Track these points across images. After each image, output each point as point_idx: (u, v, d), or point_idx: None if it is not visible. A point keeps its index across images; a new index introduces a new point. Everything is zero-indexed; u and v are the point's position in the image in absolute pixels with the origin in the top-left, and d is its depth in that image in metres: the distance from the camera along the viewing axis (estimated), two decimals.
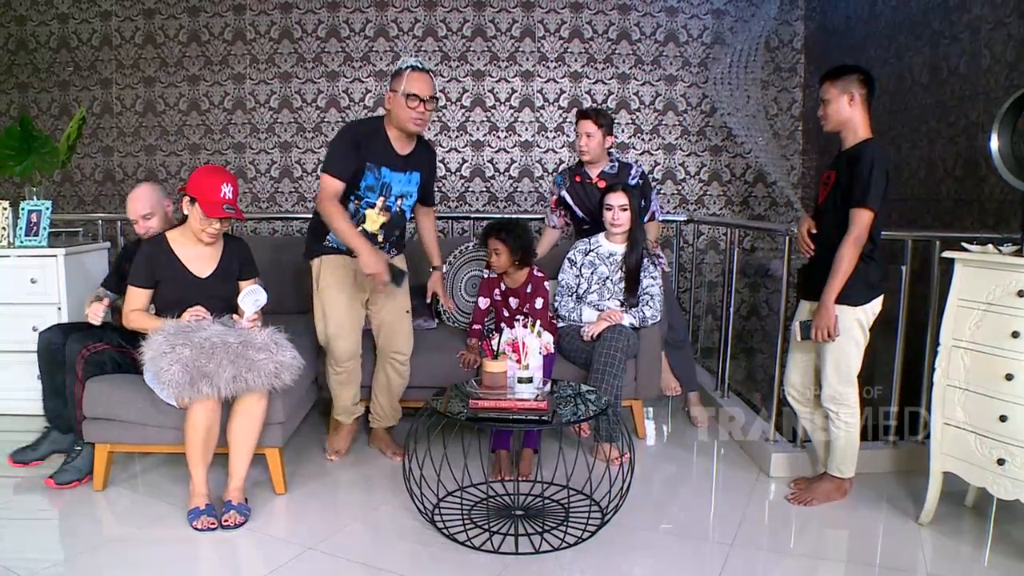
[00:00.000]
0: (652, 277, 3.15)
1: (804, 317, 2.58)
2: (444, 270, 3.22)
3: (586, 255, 3.24)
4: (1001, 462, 2.19)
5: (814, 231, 2.59)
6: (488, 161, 5.03)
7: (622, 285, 3.16)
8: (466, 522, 2.36)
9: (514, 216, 4.37)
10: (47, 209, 3.48)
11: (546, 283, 3.21)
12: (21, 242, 3.43)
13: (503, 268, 3.14)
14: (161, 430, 2.56)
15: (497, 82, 4.96)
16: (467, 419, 2.29)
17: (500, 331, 2.62)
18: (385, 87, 2.68)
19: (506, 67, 4.95)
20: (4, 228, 3.45)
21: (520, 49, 4.93)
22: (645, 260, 3.16)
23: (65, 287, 3.38)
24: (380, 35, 4.92)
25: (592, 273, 3.20)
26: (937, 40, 3.56)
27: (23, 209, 3.47)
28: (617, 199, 3.11)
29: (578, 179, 3.40)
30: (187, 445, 2.41)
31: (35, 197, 3.54)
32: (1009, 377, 2.17)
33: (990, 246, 2.34)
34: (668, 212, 4.82)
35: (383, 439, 3.06)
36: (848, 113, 2.44)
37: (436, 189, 3.52)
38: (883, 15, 4.09)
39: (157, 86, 5.03)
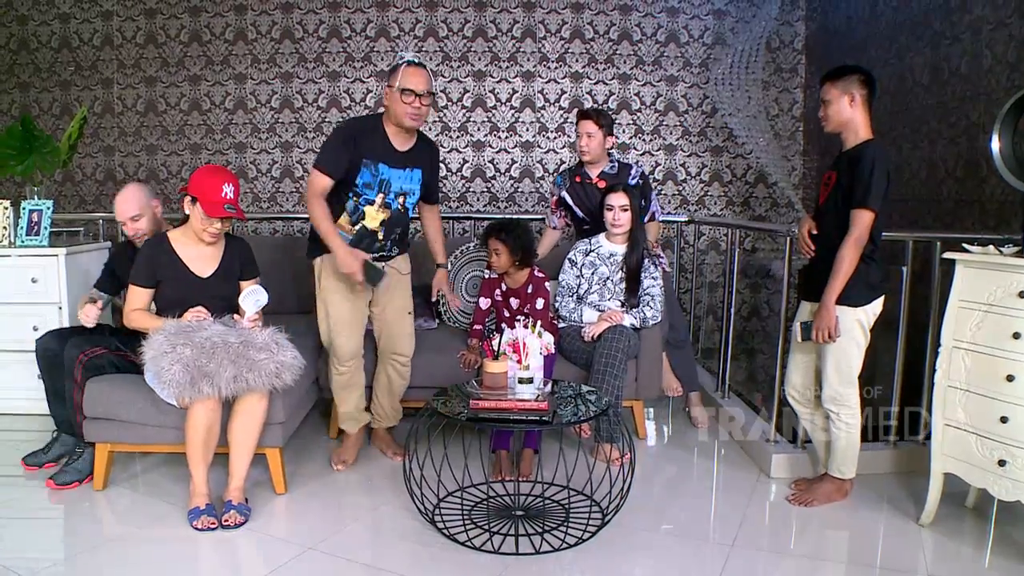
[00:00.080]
0: (653, 277, 3.15)
1: (805, 318, 2.57)
2: (449, 268, 3.20)
3: (587, 255, 3.24)
4: (1002, 463, 2.18)
5: (815, 232, 2.59)
6: (489, 161, 5.03)
7: (623, 285, 3.16)
8: (466, 522, 2.36)
9: (515, 216, 4.38)
10: (48, 209, 3.48)
11: (547, 284, 3.20)
12: (22, 241, 3.44)
13: (503, 268, 3.14)
14: (161, 430, 2.56)
15: (498, 82, 4.97)
16: (468, 419, 2.29)
17: (501, 331, 2.62)
18: (386, 87, 2.68)
19: (507, 67, 4.95)
20: (5, 227, 3.45)
21: (521, 49, 4.94)
22: (646, 260, 3.16)
23: (66, 287, 3.38)
24: (381, 35, 4.93)
25: (593, 273, 3.20)
26: (938, 41, 3.56)
27: (24, 208, 3.47)
28: (618, 199, 3.11)
29: (578, 180, 3.40)
30: (187, 445, 2.41)
31: (36, 196, 3.54)
32: (1010, 378, 2.17)
33: (991, 247, 2.33)
34: (669, 213, 4.82)
35: (384, 439, 3.06)
36: (849, 114, 2.44)
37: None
38: (884, 16, 4.09)
39: (158, 86, 5.03)
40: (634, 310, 3.12)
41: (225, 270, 2.64)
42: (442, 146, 4.95)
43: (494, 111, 4.99)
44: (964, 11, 3.36)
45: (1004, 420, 2.18)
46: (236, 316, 2.54)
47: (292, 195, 5.08)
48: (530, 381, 2.39)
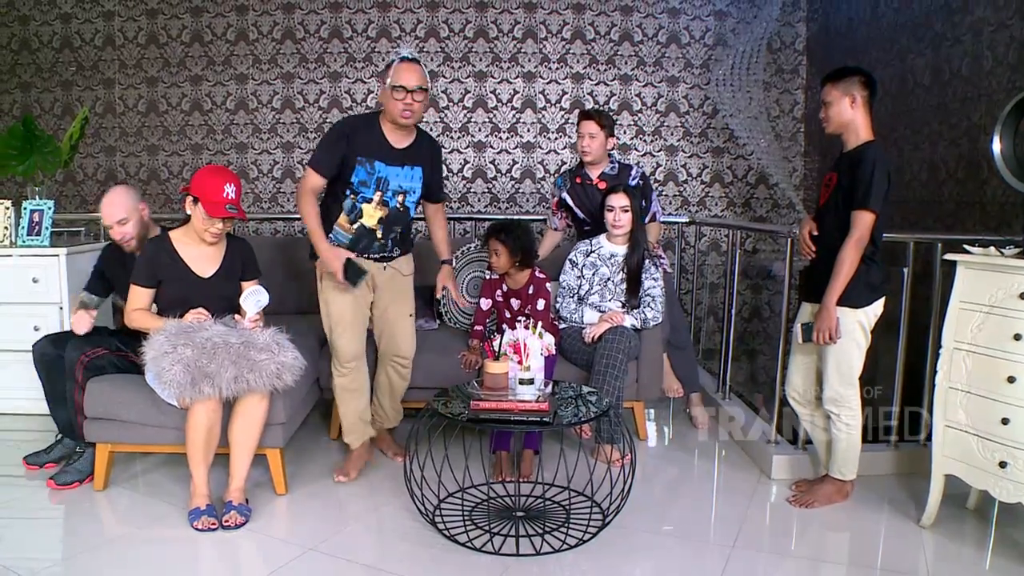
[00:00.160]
0: (653, 278, 3.15)
1: (806, 319, 2.57)
2: (453, 263, 3.17)
3: (587, 256, 3.24)
4: (1003, 465, 2.18)
5: (815, 233, 2.59)
6: (490, 162, 5.03)
7: (623, 286, 3.16)
8: (467, 523, 2.36)
9: (515, 217, 4.38)
10: (49, 209, 3.49)
11: (548, 284, 3.20)
12: (23, 241, 3.44)
13: (503, 269, 3.14)
14: (162, 430, 2.56)
15: (499, 83, 4.97)
16: (468, 420, 2.29)
17: (502, 332, 2.62)
18: (381, 85, 2.68)
19: (508, 68, 4.95)
20: (6, 227, 3.45)
21: (522, 50, 4.94)
22: (646, 261, 3.16)
23: (67, 287, 3.39)
24: (383, 36, 4.93)
25: (593, 274, 3.20)
26: (939, 42, 3.56)
27: (25, 208, 3.48)
28: (618, 200, 3.11)
29: (579, 180, 3.40)
30: (188, 445, 2.41)
31: (37, 197, 3.54)
32: (1011, 380, 2.17)
33: (992, 248, 2.33)
34: (670, 214, 4.82)
35: (384, 440, 3.06)
36: (850, 115, 2.44)
37: None
38: (885, 17, 4.09)
39: (160, 86, 5.04)
40: (635, 311, 3.12)
41: (226, 270, 2.64)
42: (443, 147, 4.94)
43: (495, 112, 4.99)
44: (965, 13, 3.36)
45: (1005, 422, 2.18)
46: (237, 316, 2.54)
47: (293, 196, 5.07)
48: (531, 382, 2.39)
